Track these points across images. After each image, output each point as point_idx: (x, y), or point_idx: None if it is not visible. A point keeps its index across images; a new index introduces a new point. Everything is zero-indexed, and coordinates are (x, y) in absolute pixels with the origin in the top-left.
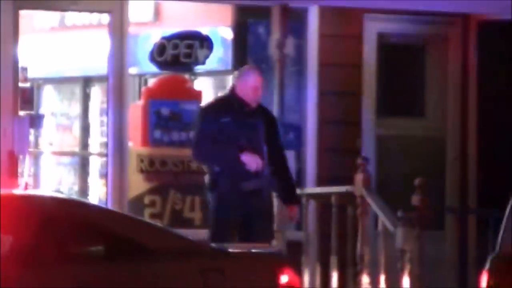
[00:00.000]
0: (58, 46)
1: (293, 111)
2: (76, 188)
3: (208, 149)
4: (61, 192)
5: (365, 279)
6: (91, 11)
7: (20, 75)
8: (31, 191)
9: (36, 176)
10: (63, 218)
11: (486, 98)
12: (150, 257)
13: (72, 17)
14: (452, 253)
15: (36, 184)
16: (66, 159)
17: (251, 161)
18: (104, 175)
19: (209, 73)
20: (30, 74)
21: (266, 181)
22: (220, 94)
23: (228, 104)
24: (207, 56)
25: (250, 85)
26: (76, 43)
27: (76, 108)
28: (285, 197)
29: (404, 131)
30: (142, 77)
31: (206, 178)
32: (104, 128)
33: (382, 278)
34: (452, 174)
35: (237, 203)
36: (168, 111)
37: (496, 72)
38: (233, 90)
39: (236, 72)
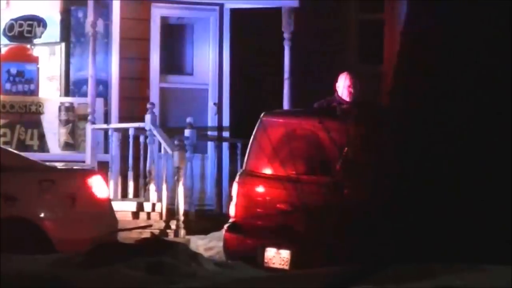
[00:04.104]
0: None
1: (103, 71)
2: None
3: None
4: None
5: (152, 187)
6: None
7: None
8: None
9: None
10: None
11: (237, 61)
12: (4, 171)
13: None
14: (212, 169)
15: None
16: None
17: None
18: None
19: (44, 44)
20: None
21: None
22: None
23: (331, 102)
24: (42, 32)
25: (344, 86)
26: None
27: None
28: None
29: (179, 85)
30: None
31: None
32: None
33: (164, 187)
34: (212, 114)
35: None
36: (15, 70)
37: (244, 42)
38: (335, 91)
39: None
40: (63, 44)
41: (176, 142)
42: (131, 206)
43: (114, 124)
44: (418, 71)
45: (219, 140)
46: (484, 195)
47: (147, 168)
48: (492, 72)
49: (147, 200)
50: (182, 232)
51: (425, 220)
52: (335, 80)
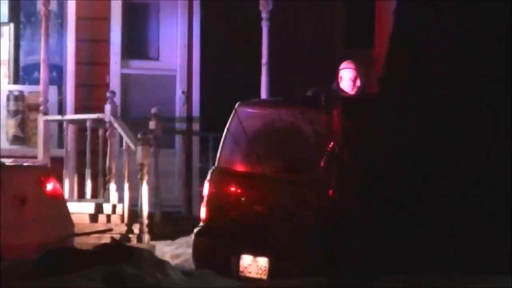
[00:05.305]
0: None
1: (56, 54)
2: None
3: None
4: None
5: (112, 187)
6: None
7: None
8: None
9: None
10: None
11: (208, 45)
12: None
13: None
14: (181, 166)
15: None
16: None
17: None
18: None
19: None
20: None
21: None
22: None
23: (327, 90)
24: None
25: (347, 76)
26: None
27: None
28: None
29: (143, 71)
30: None
31: None
32: None
33: (126, 186)
34: (180, 104)
35: None
36: None
37: (217, 24)
38: (337, 79)
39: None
40: (11, 25)
41: (139, 136)
42: (89, 207)
43: (70, 115)
44: (413, 55)
45: (188, 133)
46: (481, 196)
47: (107, 165)
48: (491, 58)
49: (107, 201)
50: (146, 237)
51: (418, 224)
52: (338, 66)
